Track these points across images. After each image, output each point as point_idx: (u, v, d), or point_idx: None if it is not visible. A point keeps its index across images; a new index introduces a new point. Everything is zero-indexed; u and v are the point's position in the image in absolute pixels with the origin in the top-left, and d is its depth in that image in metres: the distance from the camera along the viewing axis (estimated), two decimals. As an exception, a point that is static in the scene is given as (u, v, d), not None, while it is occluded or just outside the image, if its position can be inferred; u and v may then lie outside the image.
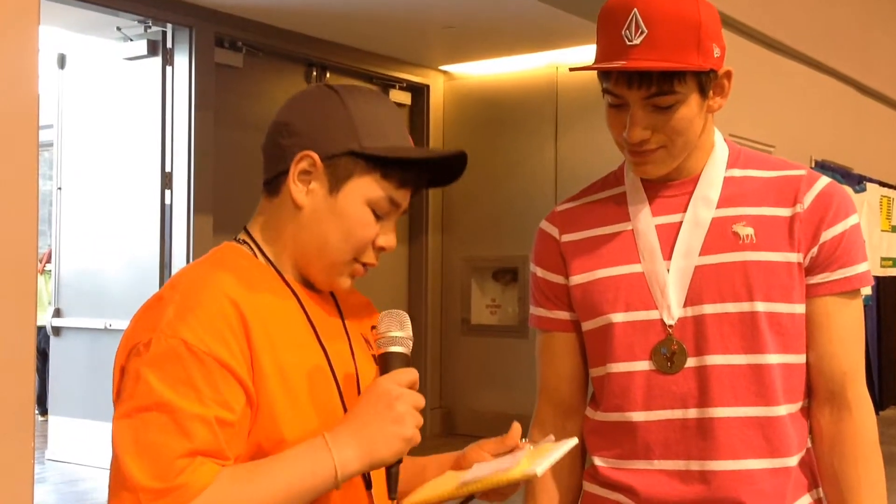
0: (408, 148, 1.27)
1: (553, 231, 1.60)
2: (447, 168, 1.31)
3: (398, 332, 1.24)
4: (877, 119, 7.97)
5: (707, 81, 1.41)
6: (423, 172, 1.29)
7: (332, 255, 1.26)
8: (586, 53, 7.28)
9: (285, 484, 1.11)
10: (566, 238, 1.57)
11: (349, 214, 1.24)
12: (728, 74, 1.45)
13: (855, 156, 7.31)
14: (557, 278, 1.57)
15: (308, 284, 1.30)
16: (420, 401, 1.19)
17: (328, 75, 7.15)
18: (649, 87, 1.37)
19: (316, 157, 1.23)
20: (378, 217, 1.27)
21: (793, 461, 1.45)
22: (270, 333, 1.18)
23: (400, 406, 1.16)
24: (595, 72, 1.42)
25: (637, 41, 1.35)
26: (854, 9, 7.39)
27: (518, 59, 7.53)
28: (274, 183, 1.27)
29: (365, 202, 1.25)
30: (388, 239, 1.29)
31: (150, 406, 1.10)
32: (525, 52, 7.33)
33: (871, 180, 7.63)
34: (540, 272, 1.61)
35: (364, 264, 1.29)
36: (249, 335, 1.15)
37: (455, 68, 7.86)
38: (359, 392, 1.27)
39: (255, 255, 1.27)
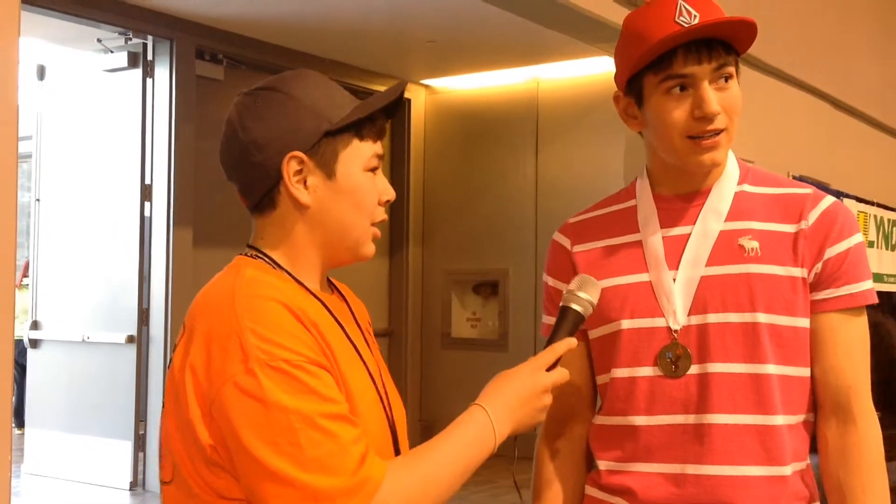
0: (368, 103, 1.32)
1: (565, 242, 1.64)
2: (393, 106, 1.38)
3: (584, 294, 1.44)
4: (853, 135, 8.05)
5: (738, 66, 1.50)
6: (382, 119, 1.35)
7: (354, 232, 1.31)
8: (567, 68, 7.32)
9: (460, 457, 1.24)
10: (577, 248, 1.61)
11: (354, 187, 1.29)
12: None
13: (832, 171, 7.37)
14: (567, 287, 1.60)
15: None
16: (563, 378, 1.37)
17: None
18: (718, 58, 1.44)
19: (301, 154, 1.26)
20: (374, 174, 1.33)
21: (787, 470, 1.47)
22: (322, 333, 1.23)
23: (547, 398, 1.34)
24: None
25: (694, 21, 1.43)
26: (831, 26, 7.47)
27: (499, 74, 7.56)
28: (265, 201, 1.29)
29: (361, 168, 1.30)
30: (388, 191, 1.35)
31: (294, 422, 1.13)
32: (506, 66, 7.37)
33: (848, 196, 7.70)
34: (551, 281, 1.65)
35: (378, 224, 1.35)
36: (321, 333, 1.22)
37: (437, 82, 7.88)
38: (383, 385, 1.33)
39: (273, 267, 1.29)
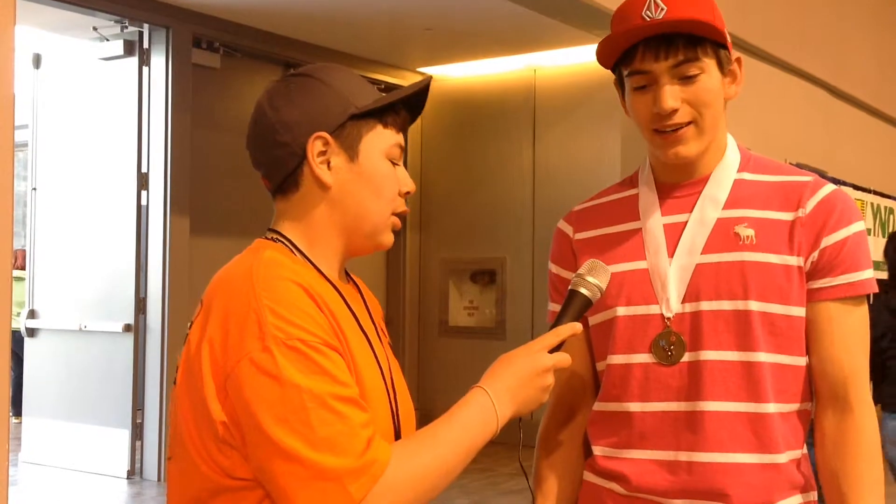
0: (395, 93, 1.35)
1: (568, 230, 1.66)
2: (416, 102, 1.40)
3: (593, 278, 1.44)
4: (849, 122, 8.05)
5: (725, 57, 1.47)
6: (405, 112, 1.38)
7: (373, 218, 1.33)
8: (564, 56, 7.31)
9: (463, 439, 1.25)
10: (579, 236, 1.63)
11: (375, 172, 1.32)
12: (739, 61, 1.51)
13: (829, 159, 7.37)
14: (569, 274, 1.61)
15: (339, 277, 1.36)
16: (565, 361, 1.36)
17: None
18: (676, 55, 1.43)
19: (326, 135, 1.29)
20: (394, 165, 1.35)
21: (782, 458, 1.48)
22: (337, 319, 1.25)
23: (549, 378, 1.34)
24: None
25: (659, 17, 1.42)
26: (827, 12, 7.46)
27: (496, 62, 7.55)
28: (289, 181, 1.32)
29: (383, 155, 1.33)
30: (408, 183, 1.37)
31: (306, 401, 1.15)
32: (503, 54, 7.36)
33: (844, 184, 7.70)
34: (554, 269, 1.67)
35: (399, 214, 1.37)
36: (336, 319, 1.24)
37: (433, 70, 7.87)
38: (391, 378, 1.34)
39: (293, 252, 1.31)
